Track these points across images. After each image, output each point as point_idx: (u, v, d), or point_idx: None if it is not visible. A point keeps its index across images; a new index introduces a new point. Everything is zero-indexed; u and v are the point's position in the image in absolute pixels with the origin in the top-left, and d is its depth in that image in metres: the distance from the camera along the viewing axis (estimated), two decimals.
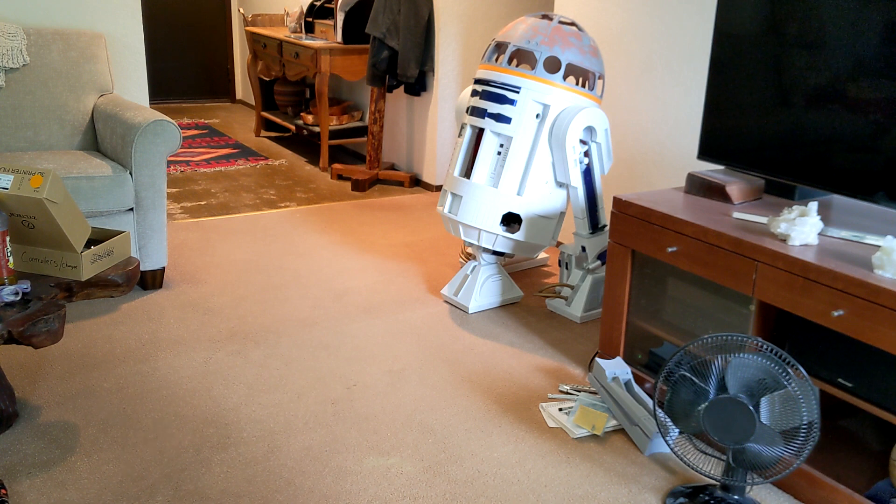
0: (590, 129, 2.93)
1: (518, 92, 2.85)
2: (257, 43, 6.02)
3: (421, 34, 4.60)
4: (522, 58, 3.03)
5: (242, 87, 7.67)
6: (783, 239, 2.07)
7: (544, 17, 2.97)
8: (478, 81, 2.99)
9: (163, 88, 7.49)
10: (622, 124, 3.49)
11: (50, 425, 2.23)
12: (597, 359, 2.49)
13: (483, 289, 3.15)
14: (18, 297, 2.04)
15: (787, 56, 2.33)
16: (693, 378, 1.95)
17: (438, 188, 4.92)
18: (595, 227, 3.09)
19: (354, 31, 5.19)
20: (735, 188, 2.42)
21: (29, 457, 2.09)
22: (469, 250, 3.59)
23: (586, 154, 2.97)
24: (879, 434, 2.19)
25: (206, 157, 5.56)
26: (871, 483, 1.97)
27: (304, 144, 6.12)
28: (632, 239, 2.44)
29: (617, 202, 2.47)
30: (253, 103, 7.46)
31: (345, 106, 5.71)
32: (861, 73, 2.15)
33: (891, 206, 2.13)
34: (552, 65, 2.98)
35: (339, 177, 5.16)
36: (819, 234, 2.12)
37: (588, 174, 2.99)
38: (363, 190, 4.88)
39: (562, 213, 3.08)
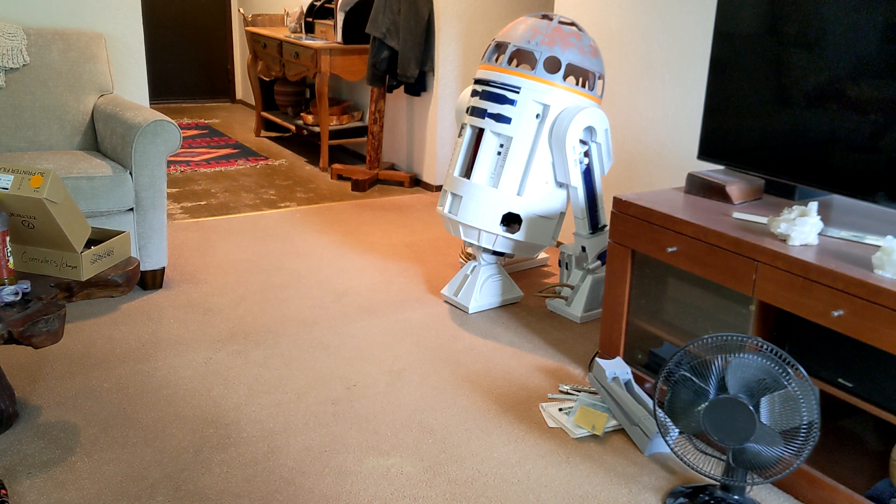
0: (590, 130, 2.93)
1: (518, 92, 2.85)
2: (257, 43, 6.02)
3: (421, 34, 4.60)
4: (522, 58, 3.03)
5: (242, 87, 7.67)
6: (783, 239, 2.07)
7: (544, 17, 2.97)
8: (478, 81, 2.99)
9: (163, 88, 7.49)
10: (622, 124, 3.49)
11: (50, 425, 2.23)
12: (597, 359, 2.49)
13: (483, 289, 3.15)
14: (18, 297, 2.04)
15: (786, 56, 2.33)
16: (693, 378, 1.95)
17: (438, 188, 4.92)
18: (595, 227, 3.09)
19: (354, 31, 5.19)
20: (735, 188, 2.42)
21: (29, 457, 2.09)
22: (469, 250, 3.59)
23: (586, 154, 2.97)
24: (879, 434, 2.19)
25: (206, 157, 5.56)
26: (871, 483, 1.97)
27: (304, 144, 6.12)
28: (632, 239, 2.44)
29: (617, 202, 2.47)
30: (253, 103, 7.46)
31: (345, 106, 5.71)
32: (861, 73, 2.15)
33: (891, 206, 2.13)
34: (552, 65, 2.98)
35: (339, 177, 5.16)
36: (819, 234, 2.12)
37: (588, 174, 2.99)
38: (363, 190, 4.88)
39: (562, 213, 3.08)
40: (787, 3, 2.32)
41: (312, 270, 3.49)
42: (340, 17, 5.14)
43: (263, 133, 6.47)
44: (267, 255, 3.65)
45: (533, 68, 2.86)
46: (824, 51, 2.23)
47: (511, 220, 3.14)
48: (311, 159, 5.64)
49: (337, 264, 3.58)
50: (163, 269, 3.20)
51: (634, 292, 2.51)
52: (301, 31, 5.81)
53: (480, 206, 2.93)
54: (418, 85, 4.82)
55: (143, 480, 2.02)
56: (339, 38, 5.20)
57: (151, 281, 3.19)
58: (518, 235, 2.98)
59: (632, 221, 2.42)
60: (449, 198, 3.04)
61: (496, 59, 2.98)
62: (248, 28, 6.15)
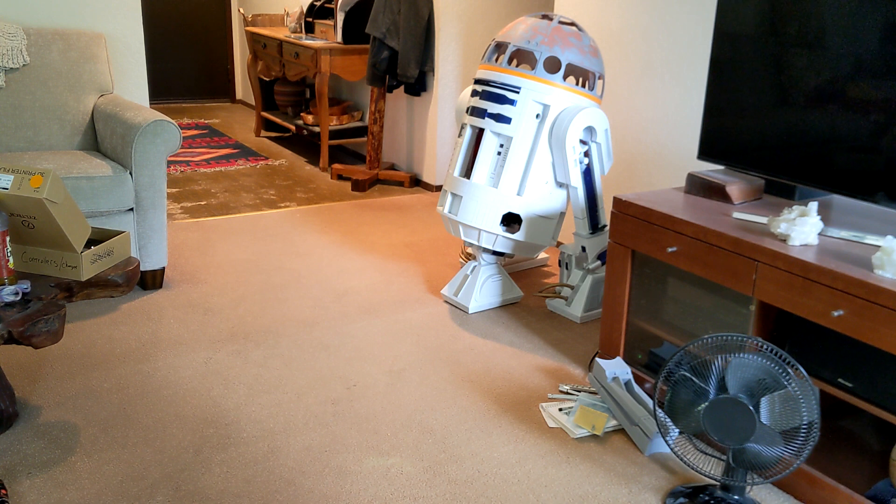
0: (590, 130, 2.93)
1: (518, 92, 2.85)
2: (257, 43, 6.02)
3: (421, 34, 4.60)
4: (522, 58, 3.03)
5: (242, 87, 7.67)
6: (783, 239, 2.07)
7: (544, 17, 2.97)
8: (478, 81, 2.99)
9: (163, 88, 7.49)
10: (622, 124, 3.49)
11: (50, 425, 2.23)
12: (597, 359, 2.49)
13: (483, 289, 3.15)
14: (18, 297, 2.04)
15: (786, 56, 2.33)
16: (693, 378, 1.95)
17: (438, 188, 4.92)
18: (595, 227, 3.09)
19: (354, 31, 5.19)
20: (735, 188, 2.42)
21: (29, 457, 2.09)
22: (469, 250, 3.59)
23: (586, 154, 2.97)
24: (879, 434, 2.19)
25: (206, 157, 5.56)
26: (871, 483, 1.97)
27: (304, 144, 6.12)
28: (632, 239, 2.44)
29: (617, 202, 2.47)
30: (253, 103, 7.46)
31: (345, 106, 5.71)
32: (861, 73, 2.15)
33: (891, 206, 2.13)
34: (552, 65, 2.98)
35: (339, 177, 5.16)
36: (819, 234, 2.12)
37: (588, 174, 2.99)
38: (363, 190, 4.88)
39: (562, 213, 3.08)
40: (787, 3, 2.32)
41: (312, 270, 3.49)
42: (340, 17, 5.14)
43: (263, 133, 6.47)
44: (267, 255, 3.65)
45: (533, 68, 2.86)
46: (824, 51, 2.23)
47: (511, 220, 3.14)
48: (311, 159, 5.64)
49: (337, 264, 3.58)
50: (163, 269, 3.20)
51: (634, 292, 2.51)
52: (301, 31, 5.81)
53: (480, 206, 2.93)
54: (418, 85, 4.82)
55: (143, 480, 2.02)
56: (339, 38, 5.20)
57: (151, 281, 3.19)
58: (518, 235, 2.98)
59: (632, 221, 2.42)
60: (449, 198, 3.04)
61: (496, 59, 2.98)
62: (248, 28, 6.15)
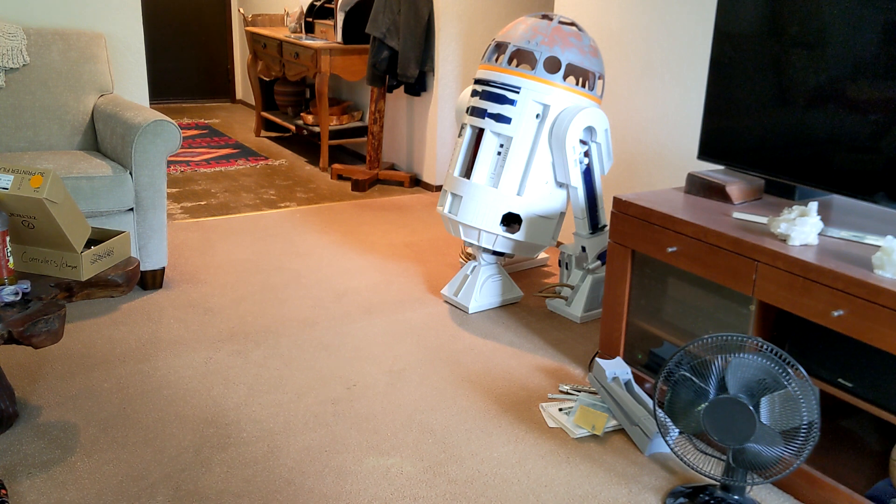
0: (590, 130, 2.93)
1: (518, 92, 2.85)
2: (257, 43, 6.02)
3: (421, 34, 4.60)
4: (522, 58, 3.03)
5: (242, 87, 7.67)
6: (783, 239, 2.07)
7: (544, 17, 2.97)
8: (478, 81, 2.99)
9: (163, 88, 7.49)
10: (622, 124, 3.49)
11: (50, 425, 2.23)
12: (597, 359, 2.49)
13: (483, 289, 3.15)
14: (18, 297, 2.04)
15: (787, 56, 2.33)
16: (693, 378, 1.95)
17: (438, 188, 4.92)
18: (595, 227, 3.09)
19: (354, 31, 5.19)
20: (735, 188, 2.42)
21: (29, 457, 2.09)
22: (469, 250, 3.59)
23: (586, 154, 2.97)
24: (879, 434, 2.19)
25: (206, 157, 5.56)
26: (871, 483, 1.97)
27: (304, 144, 6.12)
28: (632, 239, 2.44)
29: (617, 202, 2.47)
30: (253, 103, 7.46)
31: (345, 106, 5.71)
32: (861, 73, 2.15)
33: (891, 206, 2.13)
34: (552, 65, 2.98)
35: (339, 177, 5.16)
36: (819, 234, 2.12)
37: (588, 174, 2.99)
38: (363, 190, 4.88)
39: (562, 213, 3.08)
40: (787, 3, 2.32)
41: (312, 270, 3.49)
42: (340, 17, 5.14)
43: (263, 133, 6.47)
44: (267, 255, 3.65)
45: (533, 68, 2.86)
46: (824, 51, 2.23)
47: (511, 220, 3.14)
48: (311, 159, 5.64)
49: (337, 264, 3.58)
50: (163, 269, 3.20)
51: (634, 292, 2.51)
52: (301, 31, 5.81)
53: (480, 206, 2.93)
54: (418, 85, 4.82)
55: (143, 480, 2.02)
56: (339, 38, 5.20)
57: (151, 281, 3.19)
58: (518, 235, 2.98)
59: (632, 221, 2.42)
60: (449, 198, 3.04)
61: (496, 59, 2.98)
62: (248, 28, 6.15)
